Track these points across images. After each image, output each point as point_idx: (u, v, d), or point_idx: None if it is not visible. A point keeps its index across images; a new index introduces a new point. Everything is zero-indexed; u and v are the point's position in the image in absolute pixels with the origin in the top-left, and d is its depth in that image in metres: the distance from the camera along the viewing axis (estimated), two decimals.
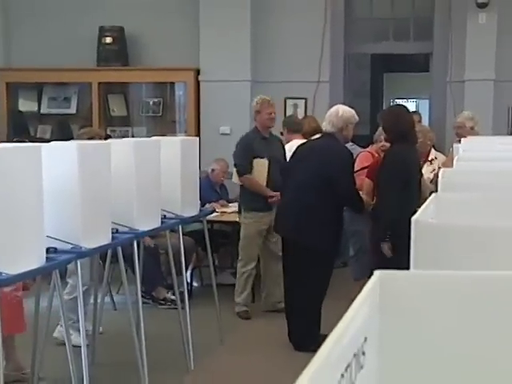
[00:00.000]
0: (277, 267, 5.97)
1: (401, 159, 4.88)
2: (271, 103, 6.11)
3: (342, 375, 0.50)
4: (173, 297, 6.24)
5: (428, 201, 1.07)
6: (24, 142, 7.25)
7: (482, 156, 2.23)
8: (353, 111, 5.33)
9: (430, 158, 5.79)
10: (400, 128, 4.94)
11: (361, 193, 5.85)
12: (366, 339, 0.55)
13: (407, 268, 4.00)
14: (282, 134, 6.80)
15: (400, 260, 4.69)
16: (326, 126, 5.28)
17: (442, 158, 6.19)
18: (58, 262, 3.26)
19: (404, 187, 4.79)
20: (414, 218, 0.90)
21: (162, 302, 6.31)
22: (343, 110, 5.30)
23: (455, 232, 0.80)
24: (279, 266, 5.98)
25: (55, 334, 5.05)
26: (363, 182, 5.80)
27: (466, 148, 2.84)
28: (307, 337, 5.12)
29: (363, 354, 0.53)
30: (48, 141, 7.15)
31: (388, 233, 4.76)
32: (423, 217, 0.91)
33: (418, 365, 0.51)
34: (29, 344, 4.21)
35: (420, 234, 0.81)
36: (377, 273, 0.63)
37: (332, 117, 5.24)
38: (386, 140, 5.19)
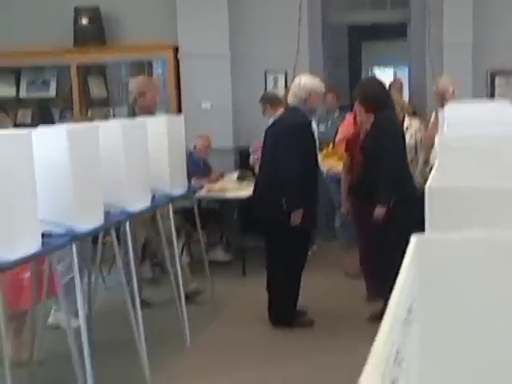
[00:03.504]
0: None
1: (390, 124, 4.96)
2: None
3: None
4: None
5: (434, 166, 1.11)
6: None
7: (472, 120, 2.27)
8: (317, 80, 5.19)
9: (405, 127, 5.84)
10: (374, 97, 5.00)
11: (341, 166, 5.89)
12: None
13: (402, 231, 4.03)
14: (263, 113, 6.78)
15: (394, 224, 4.73)
16: (289, 98, 5.16)
17: (415, 124, 6.24)
18: (54, 246, 3.28)
19: (399, 149, 4.91)
20: (428, 185, 0.93)
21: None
22: (305, 79, 5.15)
23: (473, 195, 0.83)
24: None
25: (50, 321, 5.07)
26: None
27: (452, 113, 2.87)
28: (284, 312, 5.18)
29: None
30: (29, 125, 7.14)
31: (393, 196, 4.80)
32: (435, 183, 0.94)
33: (459, 325, 0.55)
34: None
35: (435, 200, 0.84)
36: (414, 237, 0.67)
37: (294, 87, 5.12)
38: (366, 111, 5.17)
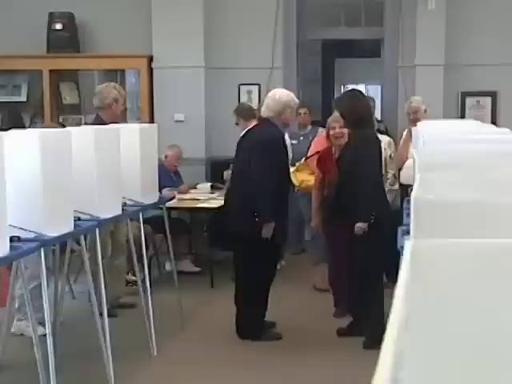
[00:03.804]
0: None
1: (373, 143, 4.98)
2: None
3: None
4: (133, 277, 6.23)
5: (416, 180, 1.11)
6: None
7: (446, 138, 2.30)
8: (292, 95, 5.17)
9: None
10: (359, 113, 4.99)
11: (311, 179, 5.90)
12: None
13: (381, 245, 4.05)
14: (237, 124, 6.75)
15: (373, 238, 4.76)
16: (263, 111, 5.11)
17: (385, 140, 6.28)
18: (23, 251, 3.23)
19: (379, 170, 4.94)
20: (413, 195, 0.94)
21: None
22: (281, 93, 5.14)
23: (458, 207, 0.84)
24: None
25: (13, 330, 4.97)
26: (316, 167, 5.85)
27: (427, 130, 2.91)
28: (251, 326, 5.14)
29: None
30: None
31: (372, 214, 4.81)
32: (418, 193, 0.95)
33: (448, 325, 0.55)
34: None
35: (421, 211, 0.84)
36: (410, 242, 0.66)
37: (269, 100, 5.07)
38: (346, 126, 5.14)
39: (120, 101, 5.51)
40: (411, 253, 0.63)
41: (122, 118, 5.49)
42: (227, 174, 6.78)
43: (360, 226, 4.82)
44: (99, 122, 5.32)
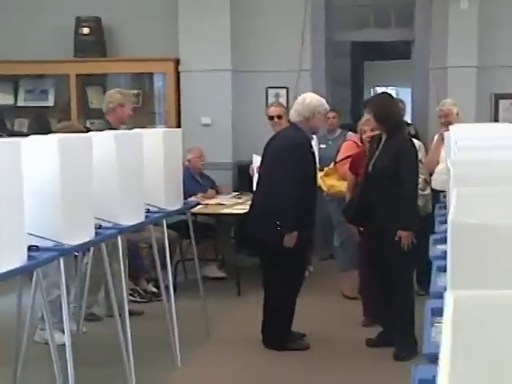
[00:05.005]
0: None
1: (413, 149, 4.83)
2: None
3: None
4: (154, 289, 6.19)
5: (453, 197, 0.99)
6: (1, 136, 7.10)
7: (481, 145, 2.15)
8: (322, 100, 5.03)
9: None
10: (395, 117, 4.84)
11: (344, 185, 5.74)
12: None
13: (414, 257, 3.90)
14: (279, 117, 6.53)
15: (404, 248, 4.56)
16: (292, 115, 4.99)
17: (416, 144, 6.12)
18: (41, 261, 3.15)
19: (417, 175, 4.81)
20: (450, 219, 0.82)
21: (144, 294, 6.23)
22: (311, 97, 5.00)
23: (497, 232, 0.73)
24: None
25: (36, 338, 4.91)
26: (346, 172, 5.70)
27: (460, 136, 2.76)
28: (277, 335, 5.03)
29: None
30: (26, 134, 7.06)
31: (416, 220, 4.66)
32: (457, 216, 0.83)
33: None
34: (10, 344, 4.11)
35: (458, 235, 0.73)
36: (450, 294, 0.55)
37: (298, 105, 4.95)
38: (380, 130, 4.94)
39: (126, 105, 5.68)
40: (453, 309, 0.51)
41: (127, 121, 5.76)
42: (252, 168, 6.56)
43: (404, 234, 4.65)
44: (106, 126, 5.51)
